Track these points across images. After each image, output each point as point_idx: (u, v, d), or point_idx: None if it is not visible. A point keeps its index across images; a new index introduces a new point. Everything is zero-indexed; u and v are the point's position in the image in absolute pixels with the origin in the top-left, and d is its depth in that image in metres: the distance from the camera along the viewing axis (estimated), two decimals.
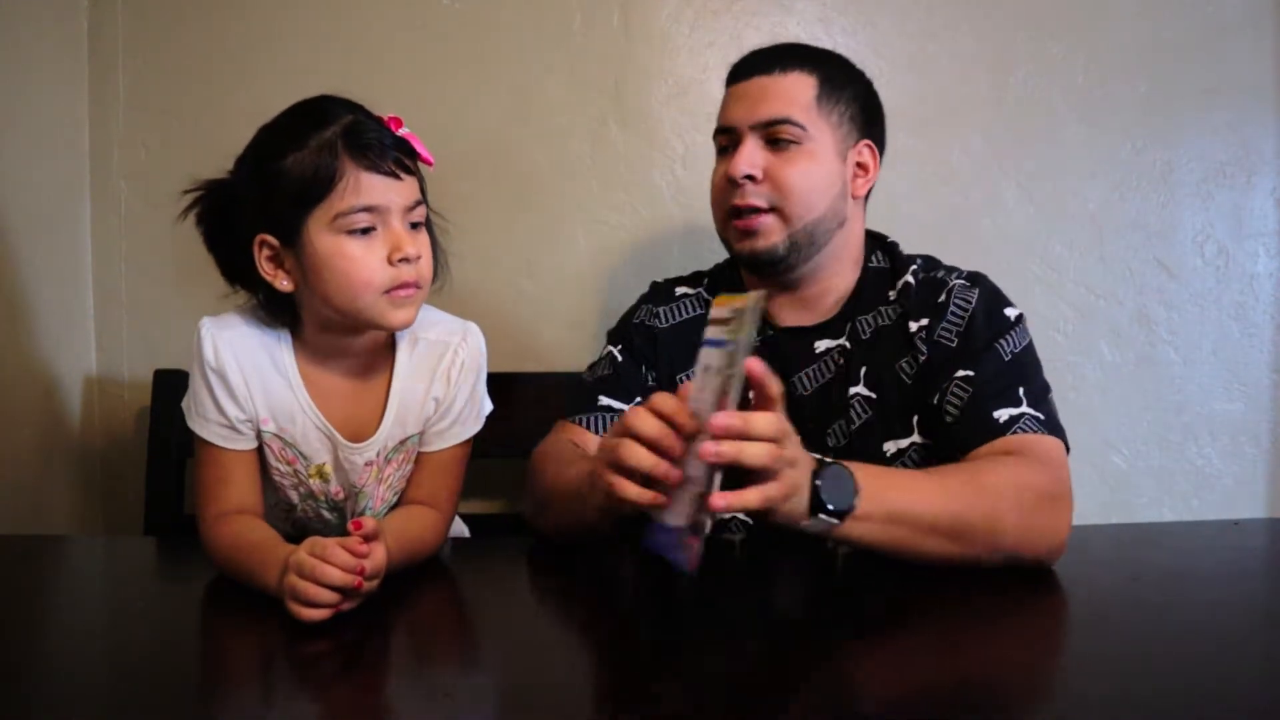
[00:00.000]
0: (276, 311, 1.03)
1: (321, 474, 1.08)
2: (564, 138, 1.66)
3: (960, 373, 1.07)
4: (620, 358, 1.23)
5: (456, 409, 1.08)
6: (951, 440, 1.04)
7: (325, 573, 0.81)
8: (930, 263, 1.20)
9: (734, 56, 1.20)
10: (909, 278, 1.16)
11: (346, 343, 1.05)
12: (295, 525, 1.13)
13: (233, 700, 0.72)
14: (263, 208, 0.97)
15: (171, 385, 1.54)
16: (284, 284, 0.99)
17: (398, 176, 0.97)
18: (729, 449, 0.77)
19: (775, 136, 1.11)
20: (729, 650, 0.82)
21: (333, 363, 1.06)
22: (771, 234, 1.13)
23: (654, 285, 1.32)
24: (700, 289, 1.27)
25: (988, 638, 0.85)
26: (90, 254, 1.63)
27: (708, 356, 0.84)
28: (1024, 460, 0.99)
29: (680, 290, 1.28)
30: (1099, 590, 0.95)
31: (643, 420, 0.82)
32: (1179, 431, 1.74)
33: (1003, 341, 1.08)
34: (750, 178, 1.11)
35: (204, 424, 1.02)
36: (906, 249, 1.23)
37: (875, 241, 1.24)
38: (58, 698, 0.72)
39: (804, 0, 1.66)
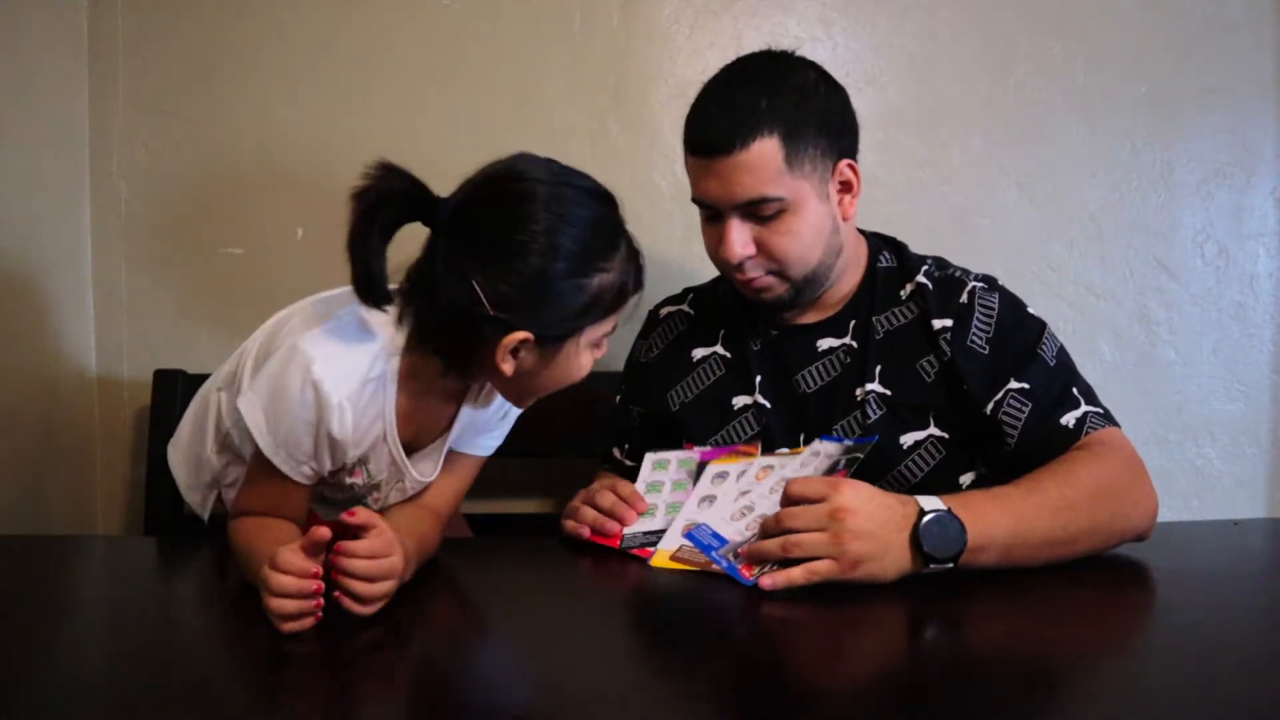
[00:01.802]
0: (449, 368, 0.98)
1: (376, 486, 1.07)
2: (564, 138, 1.66)
3: (1014, 385, 1.08)
4: (619, 405, 1.33)
5: (502, 422, 1.12)
6: (1028, 454, 1.06)
7: (278, 583, 0.79)
8: (941, 262, 1.21)
9: (734, 56, 1.17)
10: (922, 278, 1.17)
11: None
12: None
13: (232, 700, 0.72)
14: (543, 312, 0.91)
15: (171, 385, 1.54)
16: (508, 368, 0.93)
17: None
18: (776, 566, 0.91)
19: (757, 213, 1.09)
20: (737, 650, 0.82)
21: (431, 397, 1.04)
22: (775, 288, 1.14)
23: (648, 314, 1.35)
24: (684, 305, 1.31)
25: (984, 638, 0.85)
26: (90, 254, 1.63)
27: (824, 446, 1.04)
28: (1102, 453, 1.04)
29: (665, 311, 1.32)
30: (1099, 590, 0.95)
31: (601, 496, 1.09)
32: (1179, 431, 1.74)
33: (1043, 347, 1.11)
34: (745, 257, 1.12)
35: (292, 464, 0.97)
36: (914, 250, 1.24)
37: (883, 242, 1.25)
38: (58, 698, 0.72)
39: (804, 0, 1.66)
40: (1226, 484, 1.75)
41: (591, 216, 0.93)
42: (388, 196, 0.89)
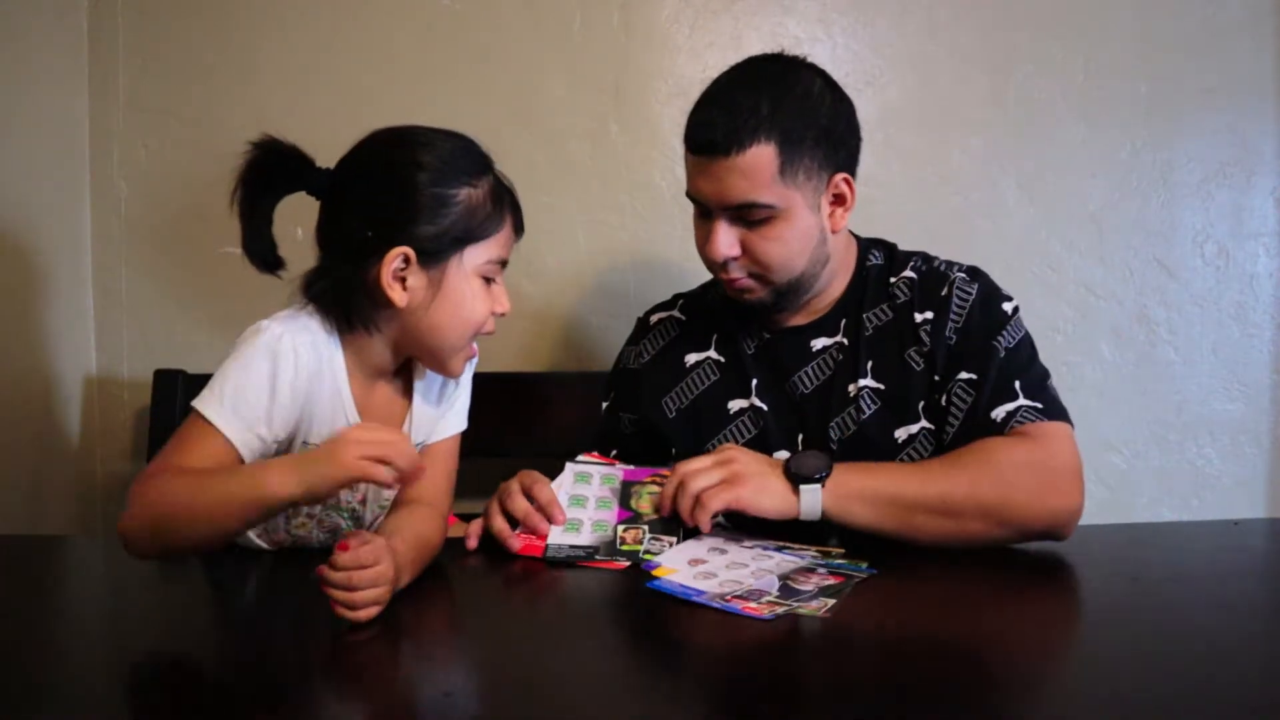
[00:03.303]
0: (354, 319, 1.01)
1: (351, 487, 1.07)
2: (564, 138, 1.66)
3: (963, 375, 1.09)
4: (605, 412, 1.31)
5: (457, 401, 1.13)
6: (956, 445, 1.07)
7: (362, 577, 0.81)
8: (928, 257, 1.21)
9: (734, 56, 1.17)
10: (909, 273, 1.18)
11: (393, 360, 1.07)
12: (297, 540, 1.10)
13: (231, 700, 0.72)
14: (416, 224, 0.97)
15: (171, 385, 1.54)
16: (399, 297, 0.98)
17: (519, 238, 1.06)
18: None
19: (746, 217, 1.09)
20: (729, 651, 0.82)
21: (379, 379, 1.07)
22: (757, 291, 1.15)
23: (637, 322, 1.34)
24: (674, 311, 1.30)
25: (986, 638, 0.85)
26: (90, 254, 1.64)
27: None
28: (1017, 442, 1.04)
29: (655, 318, 1.31)
30: (1099, 591, 0.95)
31: (513, 502, 1.07)
32: (1179, 431, 1.74)
33: (999, 338, 1.11)
34: (730, 257, 1.12)
35: (236, 424, 0.94)
36: (905, 248, 1.24)
37: (871, 242, 1.25)
38: (58, 698, 0.72)
39: (804, 0, 1.67)
40: (1226, 484, 1.75)
41: (451, 145, 1.01)
42: (268, 158, 0.99)
